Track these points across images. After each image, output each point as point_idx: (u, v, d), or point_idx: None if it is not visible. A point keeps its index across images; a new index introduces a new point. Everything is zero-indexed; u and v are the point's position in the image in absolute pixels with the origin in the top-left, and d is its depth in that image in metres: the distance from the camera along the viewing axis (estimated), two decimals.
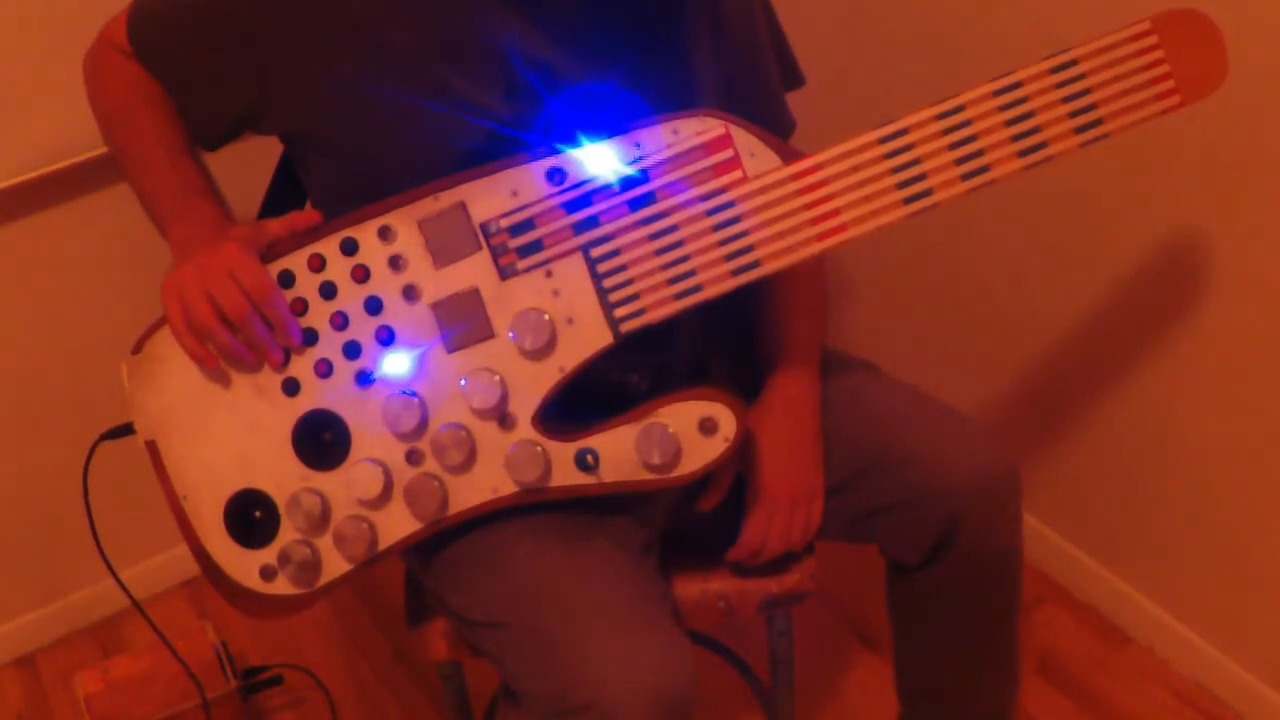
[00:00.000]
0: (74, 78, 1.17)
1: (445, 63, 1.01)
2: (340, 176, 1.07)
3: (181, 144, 1.10)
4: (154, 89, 1.11)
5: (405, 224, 1.01)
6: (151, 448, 1.07)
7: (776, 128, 1.16)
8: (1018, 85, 0.96)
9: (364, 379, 1.03)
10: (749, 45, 1.14)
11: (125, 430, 1.08)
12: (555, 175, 0.98)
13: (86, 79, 1.16)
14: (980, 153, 0.97)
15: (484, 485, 1.03)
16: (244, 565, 1.07)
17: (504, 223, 0.99)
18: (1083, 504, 1.70)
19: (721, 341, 1.21)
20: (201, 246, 1.01)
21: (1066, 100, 0.96)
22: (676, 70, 1.07)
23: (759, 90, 1.16)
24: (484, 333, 1.01)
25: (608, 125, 0.98)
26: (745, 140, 0.97)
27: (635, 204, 0.98)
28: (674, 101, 1.01)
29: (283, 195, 1.19)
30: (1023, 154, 0.97)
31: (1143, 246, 1.47)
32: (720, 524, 1.17)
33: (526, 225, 0.99)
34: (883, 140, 0.97)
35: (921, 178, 0.97)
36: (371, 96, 1.01)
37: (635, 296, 0.99)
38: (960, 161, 0.97)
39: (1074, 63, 0.96)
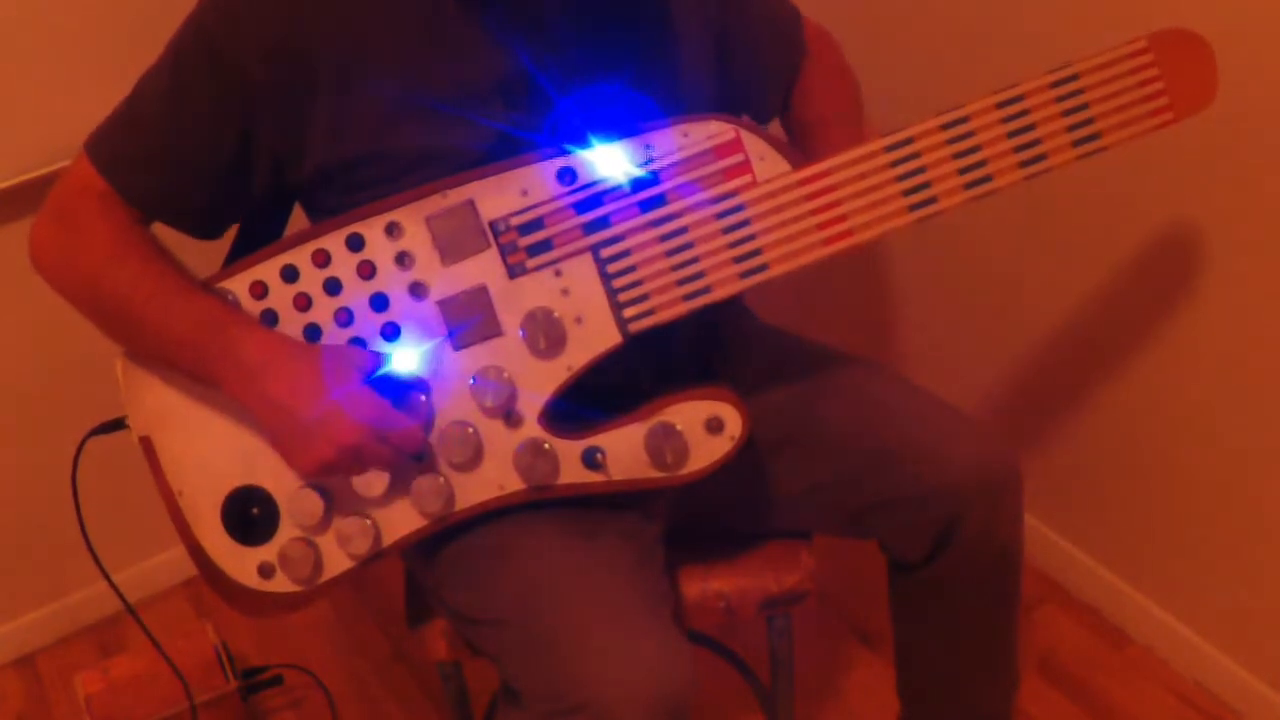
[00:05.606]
0: (74, 78, 1.14)
1: (451, 64, 1.01)
2: (348, 183, 1.04)
3: (188, 279, 1.02)
4: (139, 231, 1.04)
5: (413, 220, 1.01)
6: (146, 444, 1.05)
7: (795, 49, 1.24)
8: (1020, 98, 0.98)
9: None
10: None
11: (116, 425, 1.07)
12: (566, 175, 0.98)
13: (53, 242, 1.05)
14: (983, 163, 0.99)
15: (490, 482, 1.04)
16: (241, 563, 1.06)
17: (513, 221, 1.00)
18: (1083, 504, 1.71)
19: (725, 341, 1.21)
20: (305, 397, 0.96)
21: (1066, 114, 0.99)
22: (673, 65, 1.07)
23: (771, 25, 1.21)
24: (491, 330, 1.01)
25: (614, 125, 0.99)
26: (755, 145, 0.98)
27: (646, 205, 0.99)
28: (677, 89, 1.02)
29: (253, 232, 1.13)
30: (1024, 164, 0.99)
31: (1144, 245, 1.48)
32: (720, 524, 1.17)
33: (536, 224, 0.99)
34: (889, 149, 0.99)
35: (926, 186, 0.99)
36: (379, 103, 1.00)
37: (644, 297, 1.00)
38: (964, 171, 0.99)
39: (1074, 77, 0.98)
